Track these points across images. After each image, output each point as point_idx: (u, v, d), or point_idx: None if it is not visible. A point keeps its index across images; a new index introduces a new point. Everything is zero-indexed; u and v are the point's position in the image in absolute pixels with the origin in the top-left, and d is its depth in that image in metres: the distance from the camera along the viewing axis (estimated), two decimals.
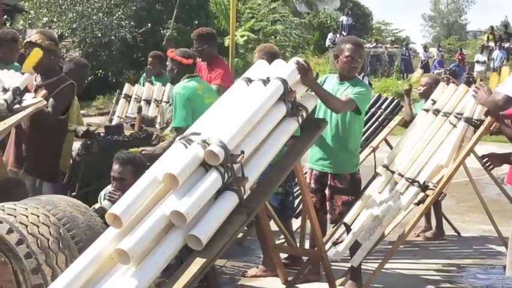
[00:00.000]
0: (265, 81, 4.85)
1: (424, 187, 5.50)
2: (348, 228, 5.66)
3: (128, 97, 8.64)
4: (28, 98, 5.30)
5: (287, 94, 4.84)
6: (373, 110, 7.49)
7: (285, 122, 4.87)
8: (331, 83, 5.76)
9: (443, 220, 7.82)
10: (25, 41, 6.03)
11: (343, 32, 29.78)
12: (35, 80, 5.88)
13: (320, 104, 5.58)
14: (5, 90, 5.31)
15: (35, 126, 5.72)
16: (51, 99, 5.66)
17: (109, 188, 5.25)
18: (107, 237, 3.90)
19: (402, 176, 5.59)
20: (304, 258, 6.20)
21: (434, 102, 6.04)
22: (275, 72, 4.96)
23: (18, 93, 5.28)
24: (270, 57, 5.77)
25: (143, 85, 8.84)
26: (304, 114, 5.04)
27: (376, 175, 6.03)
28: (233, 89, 4.99)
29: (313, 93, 5.29)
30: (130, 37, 21.58)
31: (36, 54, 5.76)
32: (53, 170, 5.91)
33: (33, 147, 5.82)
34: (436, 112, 5.91)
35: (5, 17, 26.54)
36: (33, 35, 5.95)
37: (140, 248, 3.77)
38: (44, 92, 5.41)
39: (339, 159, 5.73)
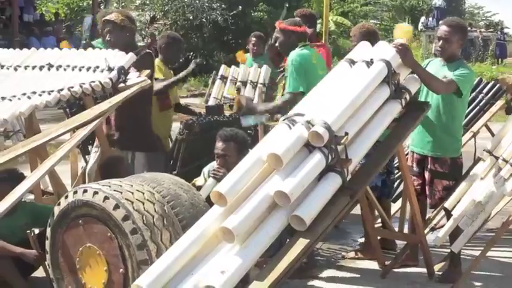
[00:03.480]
0: (369, 63, 4.81)
1: None
2: (449, 214, 5.55)
3: (224, 78, 8.68)
4: (132, 77, 5.37)
5: (391, 76, 4.79)
6: (474, 94, 7.31)
7: (388, 104, 4.83)
8: (434, 65, 5.66)
9: None
10: (102, 19, 6.18)
11: (435, 15, 29.24)
12: None
13: (423, 87, 5.50)
14: (110, 69, 5.40)
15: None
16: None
17: (213, 164, 5.33)
18: (212, 215, 3.94)
19: (507, 161, 5.44)
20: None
21: None
22: (378, 54, 4.92)
23: (123, 72, 5.36)
24: (370, 36, 5.74)
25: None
26: (408, 97, 4.98)
27: (477, 160, 5.88)
28: (336, 70, 4.96)
29: (416, 75, 5.22)
30: (222, 20, 21.65)
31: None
32: (144, 140, 6.02)
33: (119, 120, 5.96)
34: None
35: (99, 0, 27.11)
36: (110, 14, 6.17)
37: (245, 226, 3.80)
38: (147, 71, 5.48)
39: (440, 143, 5.63)
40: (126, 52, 5.80)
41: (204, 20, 21.74)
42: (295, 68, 5.76)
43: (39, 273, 5.42)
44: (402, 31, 5.90)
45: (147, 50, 6.08)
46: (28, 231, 4.92)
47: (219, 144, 5.20)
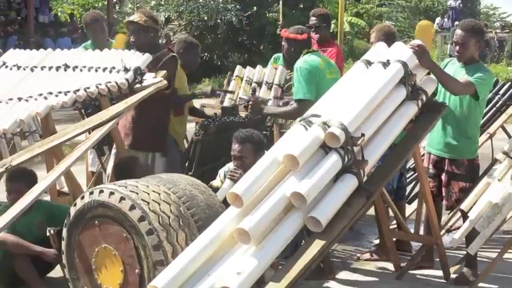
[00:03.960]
0: (385, 64, 4.80)
1: None
2: (465, 216, 5.52)
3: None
4: (149, 78, 5.38)
5: (407, 77, 4.78)
6: (490, 95, 7.25)
7: (405, 105, 4.82)
8: (453, 67, 5.64)
9: None
10: (125, 21, 6.17)
11: (451, 16, 29.11)
12: None
13: (440, 88, 5.48)
14: (127, 70, 5.41)
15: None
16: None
17: (229, 165, 5.34)
18: (228, 216, 3.94)
19: None
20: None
21: None
22: (395, 55, 4.90)
23: (139, 73, 5.37)
24: (388, 38, 5.71)
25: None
26: (424, 98, 4.97)
27: (494, 162, 5.85)
28: (352, 71, 4.94)
29: (432, 76, 5.21)
30: (236, 20, 21.66)
31: (119, 40, 5.95)
32: (163, 142, 6.03)
33: (139, 122, 5.97)
34: None
35: (115, 0, 27.21)
36: (133, 15, 6.14)
37: (261, 228, 3.79)
38: (164, 72, 5.48)
39: (456, 145, 5.61)
40: (150, 53, 5.82)
41: (218, 20, 21.78)
42: (302, 75, 5.73)
43: (55, 273, 5.45)
44: (421, 28, 5.89)
45: (173, 54, 6.06)
46: (48, 229, 4.93)
47: (235, 146, 5.20)
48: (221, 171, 5.51)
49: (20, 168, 5.45)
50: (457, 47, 5.55)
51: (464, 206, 5.51)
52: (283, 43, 6.12)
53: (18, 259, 5.20)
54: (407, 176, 6.84)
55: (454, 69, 5.59)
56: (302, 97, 5.70)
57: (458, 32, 5.56)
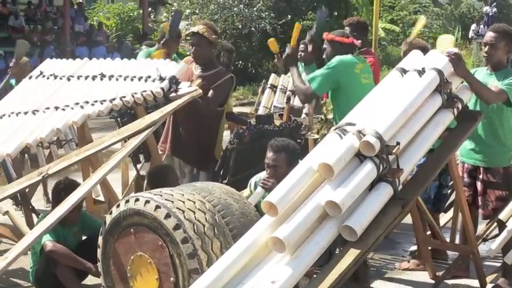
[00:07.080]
0: (421, 72, 4.77)
1: None
2: (503, 225, 5.46)
3: (273, 87, 8.68)
4: (184, 87, 5.40)
5: (443, 85, 4.74)
6: None
7: (440, 113, 4.79)
8: (480, 75, 5.59)
9: None
10: (188, 31, 6.13)
11: (486, 23, 28.85)
12: (195, 70, 6.02)
13: (472, 96, 5.44)
14: (162, 79, 5.43)
15: (193, 116, 5.86)
16: (211, 92, 5.80)
17: (261, 175, 5.31)
18: (262, 225, 3.93)
19: None
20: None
21: None
22: (430, 63, 4.87)
23: (175, 81, 5.38)
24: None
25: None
26: (460, 106, 4.93)
27: None
28: (387, 79, 4.92)
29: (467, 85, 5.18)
30: (270, 28, 21.66)
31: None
32: (207, 159, 6.03)
33: (189, 137, 5.97)
34: None
35: (150, 9, 27.41)
36: (197, 26, 6.09)
37: (296, 236, 3.78)
38: (199, 81, 5.52)
39: (491, 153, 5.55)
40: (207, 68, 5.83)
41: (253, 28, 21.81)
42: (329, 70, 5.73)
43: (90, 280, 5.49)
44: (445, 43, 5.81)
45: (231, 75, 6.07)
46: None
47: (270, 155, 5.13)
48: (252, 181, 5.46)
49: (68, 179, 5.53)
50: (486, 48, 5.51)
51: (502, 216, 5.45)
52: (325, 46, 6.06)
53: (60, 266, 5.23)
54: None
55: (482, 76, 5.53)
56: (314, 86, 5.75)
57: (489, 33, 5.53)
